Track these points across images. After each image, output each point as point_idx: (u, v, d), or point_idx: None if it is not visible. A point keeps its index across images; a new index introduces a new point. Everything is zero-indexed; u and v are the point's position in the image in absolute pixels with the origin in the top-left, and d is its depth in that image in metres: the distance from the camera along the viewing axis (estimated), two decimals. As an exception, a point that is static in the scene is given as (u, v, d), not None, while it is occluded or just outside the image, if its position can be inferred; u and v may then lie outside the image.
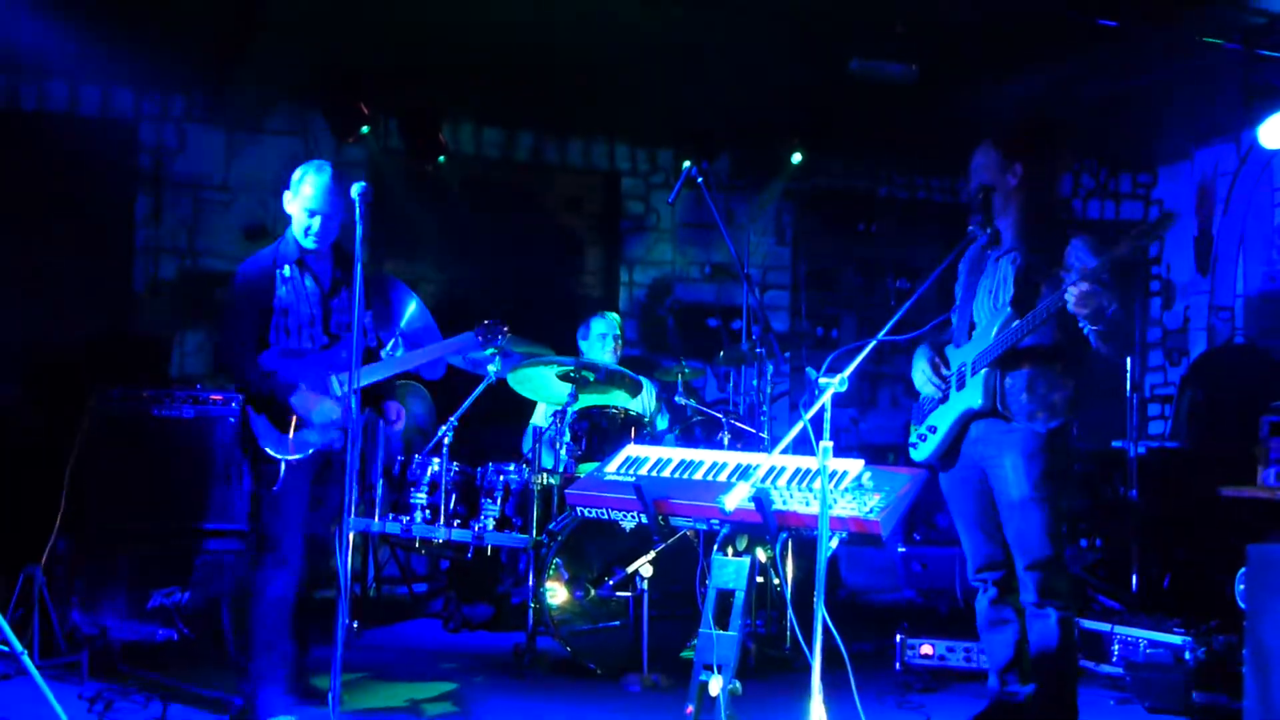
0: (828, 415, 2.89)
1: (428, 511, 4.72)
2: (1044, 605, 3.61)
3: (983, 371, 3.67)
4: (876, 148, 7.36)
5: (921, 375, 3.90)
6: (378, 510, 4.68)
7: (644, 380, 5.62)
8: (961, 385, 3.74)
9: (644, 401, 5.98)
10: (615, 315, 6.08)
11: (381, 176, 6.66)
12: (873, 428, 7.75)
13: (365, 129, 6.35)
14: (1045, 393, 3.62)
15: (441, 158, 6.62)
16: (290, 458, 3.81)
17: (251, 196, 6.56)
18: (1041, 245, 3.64)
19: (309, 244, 3.91)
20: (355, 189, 3.50)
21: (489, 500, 4.79)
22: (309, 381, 3.87)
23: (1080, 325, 3.50)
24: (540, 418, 5.82)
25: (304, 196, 3.89)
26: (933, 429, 3.84)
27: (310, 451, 3.87)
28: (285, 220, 3.96)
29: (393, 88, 6.39)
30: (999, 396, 3.65)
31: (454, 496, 4.79)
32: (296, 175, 3.94)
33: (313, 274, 3.94)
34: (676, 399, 5.68)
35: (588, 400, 5.27)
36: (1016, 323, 3.59)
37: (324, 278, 3.96)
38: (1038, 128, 3.76)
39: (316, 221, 3.89)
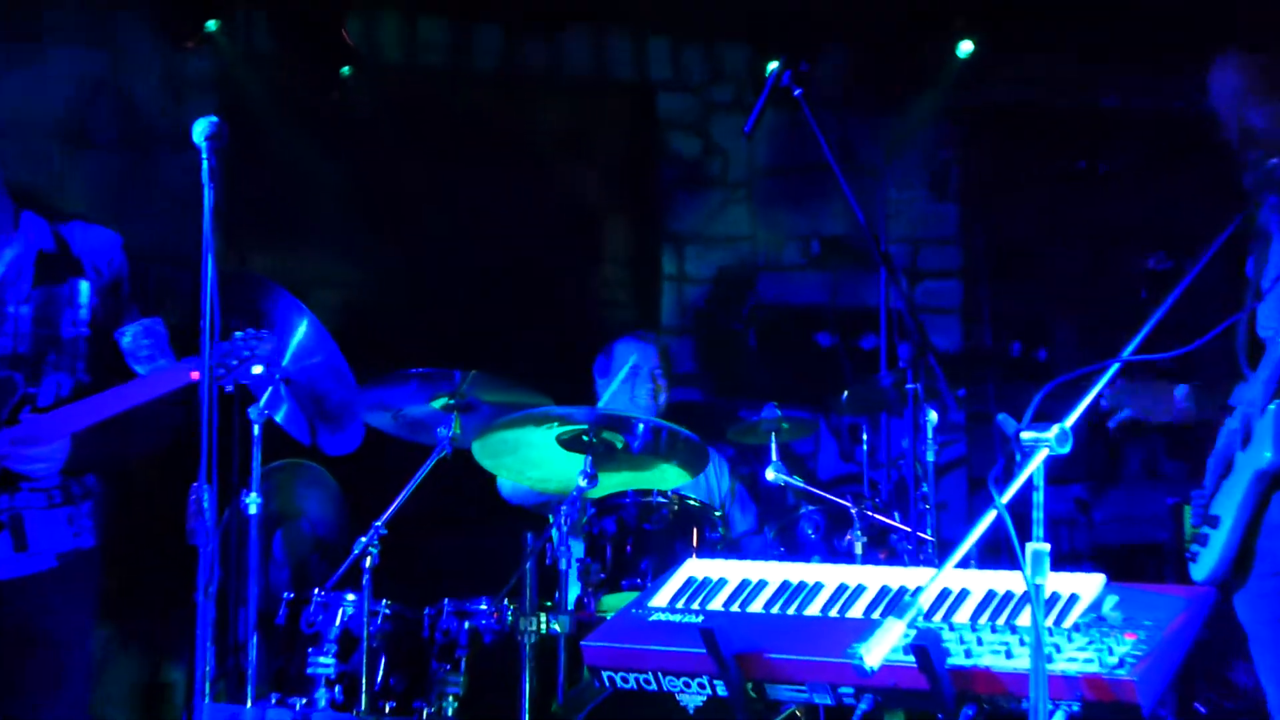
0: (1040, 497, 2.89)
1: (338, 688, 4.75)
2: None
3: (1271, 407, 3.77)
4: (1095, 33, 7.34)
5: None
6: (250, 689, 4.70)
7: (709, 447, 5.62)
8: (1248, 440, 3.83)
9: (711, 481, 5.98)
10: (655, 336, 6.08)
11: (245, 104, 6.77)
12: (1115, 515, 7.76)
13: (213, 24, 6.42)
14: None
15: (347, 69, 6.71)
16: None
17: (20, 144, 6.56)
18: None
19: None
20: (199, 128, 3.55)
21: (445, 666, 4.84)
22: None
23: None
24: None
25: None
26: (1214, 521, 3.92)
27: None
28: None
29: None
30: None
31: (384, 659, 4.84)
32: None
33: None
34: (769, 475, 5.68)
35: (615, 482, 5.29)
36: None
37: None
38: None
39: None
